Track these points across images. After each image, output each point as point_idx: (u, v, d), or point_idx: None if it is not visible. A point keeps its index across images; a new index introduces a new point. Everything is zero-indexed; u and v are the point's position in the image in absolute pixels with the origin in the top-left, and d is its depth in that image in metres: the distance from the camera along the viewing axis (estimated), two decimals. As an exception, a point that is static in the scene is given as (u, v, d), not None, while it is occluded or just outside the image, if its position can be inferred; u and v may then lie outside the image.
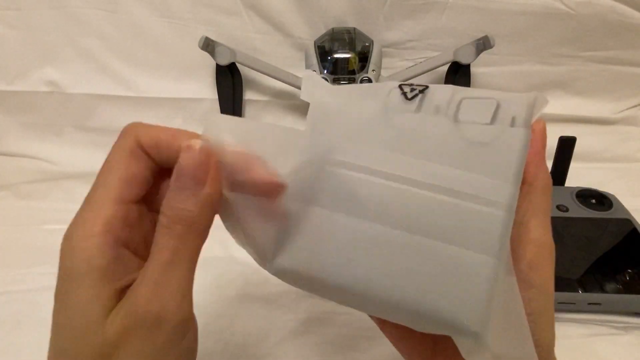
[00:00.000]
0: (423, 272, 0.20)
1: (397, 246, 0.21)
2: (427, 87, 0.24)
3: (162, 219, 0.20)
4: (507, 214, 0.20)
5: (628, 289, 0.41)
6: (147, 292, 0.19)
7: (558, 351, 0.40)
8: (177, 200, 0.20)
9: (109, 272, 0.19)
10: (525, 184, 0.22)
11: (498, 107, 0.22)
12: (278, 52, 0.62)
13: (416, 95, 0.24)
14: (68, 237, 0.20)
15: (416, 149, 0.22)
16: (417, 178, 0.22)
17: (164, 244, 0.19)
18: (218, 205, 0.21)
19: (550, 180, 0.23)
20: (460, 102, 0.23)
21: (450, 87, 0.23)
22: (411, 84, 0.24)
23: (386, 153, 0.23)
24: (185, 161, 0.20)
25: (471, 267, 0.20)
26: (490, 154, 0.21)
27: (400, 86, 0.24)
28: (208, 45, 0.56)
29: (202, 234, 0.21)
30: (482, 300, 0.19)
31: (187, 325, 0.20)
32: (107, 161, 0.21)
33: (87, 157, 0.65)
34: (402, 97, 0.24)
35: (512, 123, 0.21)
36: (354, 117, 0.24)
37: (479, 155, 0.21)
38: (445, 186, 0.21)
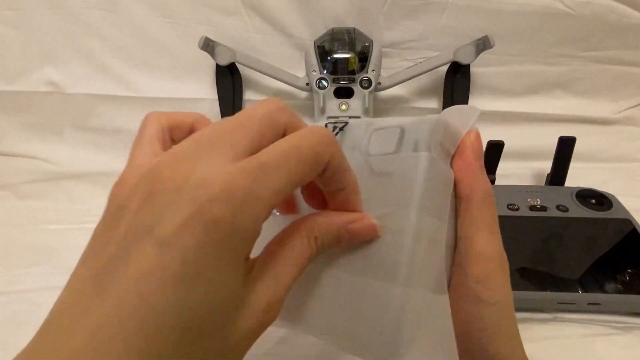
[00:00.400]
0: (347, 306, 0.21)
1: (327, 285, 0.22)
2: (346, 123, 0.25)
3: (309, 234, 0.19)
4: (413, 239, 0.20)
5: (628, 289, 0.41)
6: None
7: (558, 351, 0.40)
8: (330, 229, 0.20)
9: None
10: (462, 199, 0.22)
11: (402, 134, 0.22)
12: (278, 52, 0.62)
13: (336, 134, 0.25)
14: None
15: None
16: None
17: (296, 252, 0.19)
18: None
19: (490, 190, 0.22)
20: (371, 136, 0.23)
21: (364, 121, 0.24)
22: (335, 122, 0.25)
23: None
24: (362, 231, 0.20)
25: (382, 297, 0.20)
26: (395, 183, 0.21)
27: (326, 125, 0.25)
28: (208, 45, 0.56)
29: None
30: (394, 331, 0.19)
31: None
32: (134, 144, 0.21)
33: (87, 157, 0.65)
34: None
35: (415, 148, 0.21)
36: None
37: (386, 186, 0.21)
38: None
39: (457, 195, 0.22)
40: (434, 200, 0.21)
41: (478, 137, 0.23)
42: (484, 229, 0.22)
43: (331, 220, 0.20)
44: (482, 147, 0.23)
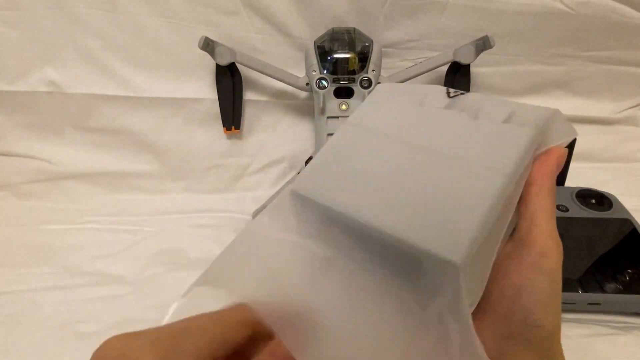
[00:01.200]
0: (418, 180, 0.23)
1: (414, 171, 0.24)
2: (464, 92, 0.27)
3: None
4: (509, 177, 0.22)
5: (628, 289, 0.41)
6: None
7: (558, 351, 0.40)
8: None
9: None
10: (534, 185, 0.25)
11: (513, 112, 0.25)
12: (278, 52, 0.62)
13: (456, 96, 0.27)
14: None
15: (439, 134, 0.25)
16: (436, 148, 0.24)
17: None
18: None
19: (555, 188, 0.25)
20: (482, 106, 0.26)
21: (480, 95, 0.27)
22: (455, 90, 0.28)
23: (415, 131, 0.26)
24: None
25: (477, 183, 0.22)
26: (500, 143, 0.24)
27: (447, 88, 0.28)
28: (208, 45, 0.56)
29: None
30: (471, 226, 0.21)
31: None
32: None
33: (87, 157, 0.65)
34: (445, 95, 0.27)
35: (522, 125, 0.24)
36: (393, 110, 0.28)
37: (490, 144, 0.24)
38: (458, 156, 0.24)
39: (529, 182, 0.25)
40: (522, 162, 0.23)
41: (563, 154, 0.26)
42: (548, 213, 0.24)
43: None
44: (563, 163, 0.26)
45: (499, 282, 0.24)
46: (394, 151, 0.25)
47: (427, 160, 0.24)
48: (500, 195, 0.22)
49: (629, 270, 0.43)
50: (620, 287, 0.41)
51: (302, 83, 0.59)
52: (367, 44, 0.58)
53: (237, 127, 0.62)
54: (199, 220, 0.60)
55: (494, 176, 0.22)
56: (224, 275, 0.24)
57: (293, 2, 0.59)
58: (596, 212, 0.50)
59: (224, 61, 0.58)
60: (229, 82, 0.60)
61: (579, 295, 0.41)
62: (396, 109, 0.28)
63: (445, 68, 0.59)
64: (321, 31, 0.59)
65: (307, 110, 0.64)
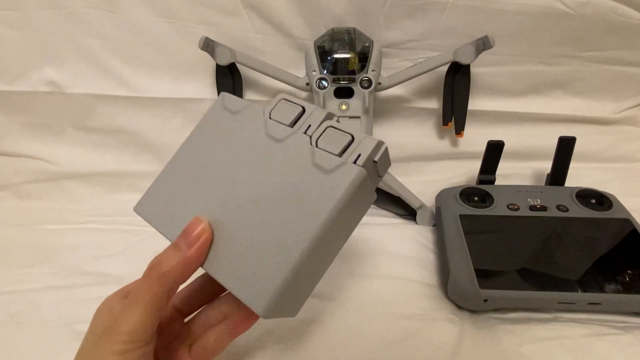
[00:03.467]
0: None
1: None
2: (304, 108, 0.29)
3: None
4: (310, 245, 0.24)
5: (628, 289, 0.41)
6: None
7: (558, 351, 0.40)
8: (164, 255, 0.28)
9: None
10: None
11: (351, 142, 0.26)
12: (278, 52, 0.62)
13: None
14: None
15: (273, 162, 0.27)
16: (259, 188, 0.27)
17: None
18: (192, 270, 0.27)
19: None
20: (325, 130, 0.27)
21: (325, 112, 0.29)
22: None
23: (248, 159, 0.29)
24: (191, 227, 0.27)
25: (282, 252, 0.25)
26: (327, 180, 0.25)
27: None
28: (208, 45, 0.56)
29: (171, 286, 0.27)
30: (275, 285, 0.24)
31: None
32: None
33: (87, 157, 0.65)
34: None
35: (356, 160, 0.25)
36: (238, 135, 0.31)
37: (318, 178, 0.25)
38: (281, 197, 0.26)
39: None
40: (343, 205, 0.25)
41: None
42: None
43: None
44: None
45: None
46: (226, 181, 0.28)
47: (254, 195, 0.26)
48: (316, 242, 0.24)
49: (629, 271, 0.43)
50: (620, 287, 0.41)
51: (302, 83, 0.59)
52: (367, 44, 0.58)
53: (237, 127, 0.62)
54: (199, 220, 0.60)
55: (311, 222, 0.24)
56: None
57: (293, 2, 0.59)
58: (596, 212, 0.50)
59: (224, 61, 0.58)
60: (229, 82, 0.60)
61: (579, 295, 0.41)
62: (234, 132, 0.30)
63: (445, 68, 0.59)
64: (321, 31, 0.59)
65: (307, 110, 0.64)
